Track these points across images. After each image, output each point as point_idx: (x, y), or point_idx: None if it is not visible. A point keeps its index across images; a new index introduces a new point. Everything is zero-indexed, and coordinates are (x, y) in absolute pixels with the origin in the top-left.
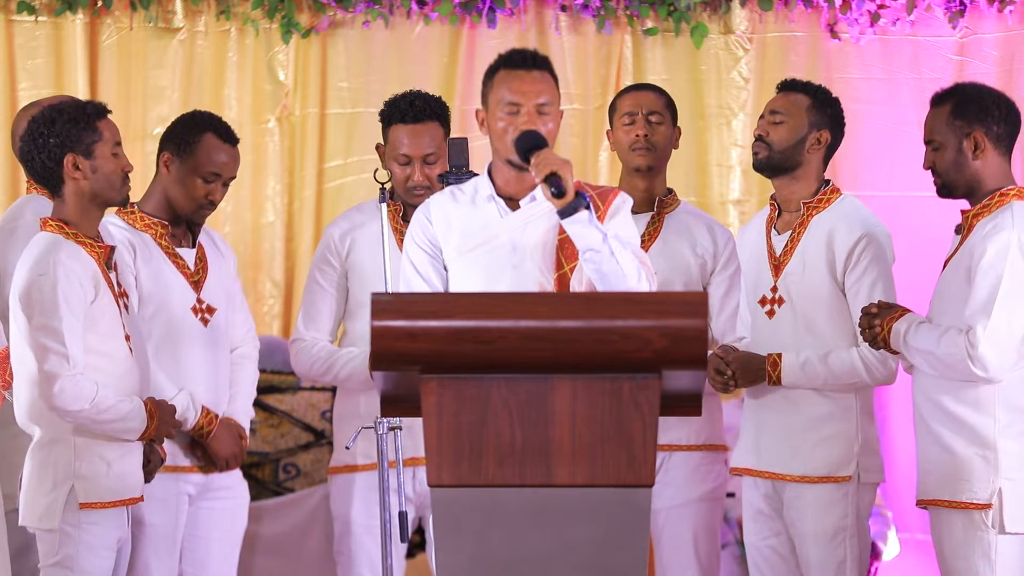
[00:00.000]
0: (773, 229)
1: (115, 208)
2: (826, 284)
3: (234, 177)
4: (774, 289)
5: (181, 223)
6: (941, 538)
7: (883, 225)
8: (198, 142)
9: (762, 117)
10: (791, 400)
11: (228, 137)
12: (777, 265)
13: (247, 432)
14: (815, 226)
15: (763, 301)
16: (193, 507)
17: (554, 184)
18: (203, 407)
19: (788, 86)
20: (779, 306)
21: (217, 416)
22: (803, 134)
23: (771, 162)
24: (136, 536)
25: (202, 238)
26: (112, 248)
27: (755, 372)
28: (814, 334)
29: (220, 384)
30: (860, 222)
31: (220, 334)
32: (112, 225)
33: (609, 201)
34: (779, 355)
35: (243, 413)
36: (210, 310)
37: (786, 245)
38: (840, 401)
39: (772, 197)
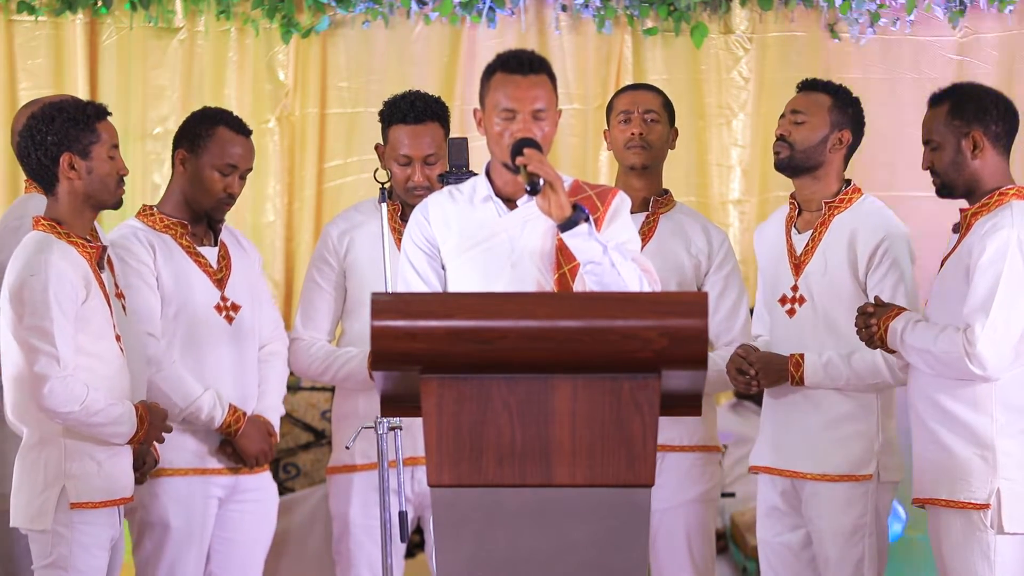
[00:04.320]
0: (793, 228)
1: (108, 209)
2: (847, 284)
3: (251, 169)
4: (795, 288)
5: (202, 221)
6: (939, 538)
7: (904, 226)
8: (211, 136)
9: (783, 117)
10: (811, 399)
11: (240, 129)
12: (798, 264)
13: (276, 429)
14: (837, 226)
15: (783, 300)
16: (223, 509)
17: (530, 181)
18: (230, 405)
19: (809, 85)
20: (800, 305)
21: (245, 413)
22: (825, 134)
23: (793, 162)
24: (160, 538)
25: (225, 236)
26: (104, 248)
27: (778, 372)
28: (835, 334)
29: (247, 381)
30: (882, 223)
31: (246, 331)
32: (130, 227)
33: (608, 202)
34: (802, 355)
35: (273, 410)
36: (234, 307)
37: (807, 244)
38: (860, 400)
39: (792, 196)
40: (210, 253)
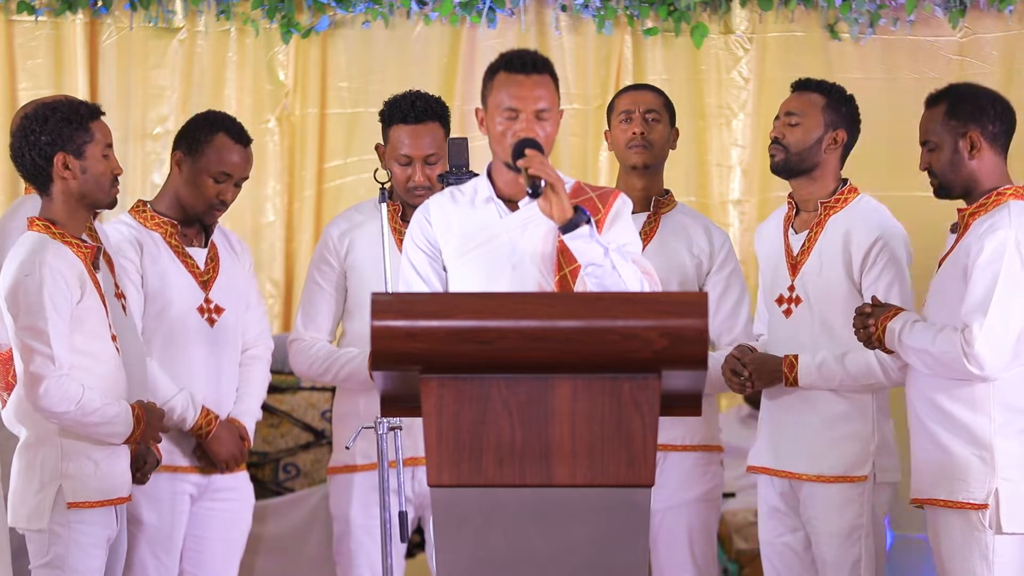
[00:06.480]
0: (791, 228)
1: (103, 209)
2: (843, 284)
3: (246, 177)
4: (791, 288)
5: (194, 222)
6: (938, 538)
7: (900, 226)
8: (210, 142)
9: (777, 118)
10: (808, 400)
11: (240, 137)
12: (795, 264)
13: (250, 433)
14: (832, 226)
15: (780, 300)
16: (196, 507)
17: (531, 183)
18: (203, 407)
19: (802, 86)
20: (796, 305)
21: (217, 417)
22: (819, 134)
23: (788, 164)
24: (133, 535)
25: (217, 237)
26: (98, 248)
27: (772, 373)
28: (830, 334)
29: (224, 384)
30: (877, 223)
31: (227, 334)
32: (121, 223)
33: (610, 204)
34: (796, 356)
35: (249, 414)
36: (218, 310)
37: (803, 244)
38: (856, 401)
39: (790, 196)
40: (199, 254)
